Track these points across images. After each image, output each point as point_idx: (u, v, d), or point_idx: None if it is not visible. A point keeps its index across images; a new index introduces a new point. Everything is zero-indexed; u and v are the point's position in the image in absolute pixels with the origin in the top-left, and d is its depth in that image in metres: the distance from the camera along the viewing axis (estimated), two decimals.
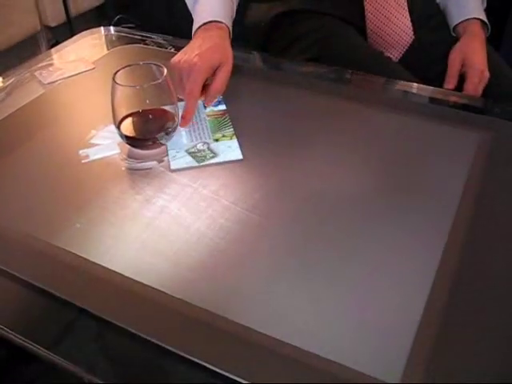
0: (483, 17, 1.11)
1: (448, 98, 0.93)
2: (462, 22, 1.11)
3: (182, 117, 0.77)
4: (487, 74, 1.03)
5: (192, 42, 0.85)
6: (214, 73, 0.81)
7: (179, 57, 0.81)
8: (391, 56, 1.16)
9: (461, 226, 0.62)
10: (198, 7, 0.91)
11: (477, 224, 0.63)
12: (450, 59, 1.07)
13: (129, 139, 0.74)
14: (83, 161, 0.73)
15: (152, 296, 0.55)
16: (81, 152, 0.75)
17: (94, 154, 0.75)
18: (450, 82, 1.05)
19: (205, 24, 0.87)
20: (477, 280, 0.56)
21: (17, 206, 0.67)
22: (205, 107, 0.84)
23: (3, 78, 0.96)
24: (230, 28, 0.90)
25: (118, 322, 0.52)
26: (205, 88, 0.80)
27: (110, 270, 0.57)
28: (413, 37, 1.14)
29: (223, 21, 0.88)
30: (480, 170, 0.71)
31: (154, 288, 0.55)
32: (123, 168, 0.73)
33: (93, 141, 0.77)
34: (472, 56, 1.05)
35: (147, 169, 0.72)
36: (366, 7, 1.12)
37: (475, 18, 1.10)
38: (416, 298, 0.54)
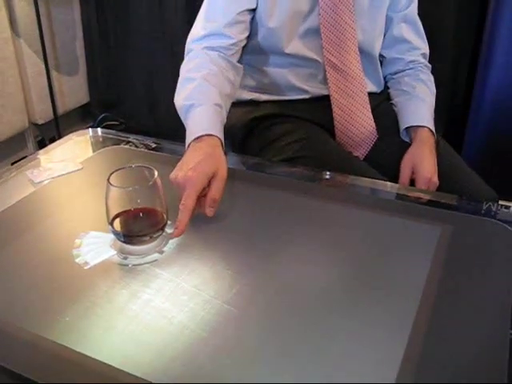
0: (431, 126, 1.19)
1: (412, 194, 1.00)
2: (412, 126, 1.19)
3: (174, 227, 0.80)
4: (435, 181, 1.10)
5: (185, 156, 0.89)
6: (209, 182, 0.84)
7: (175, 173, 0.84)
8: (358, 154, 1.23)
9: (424, 316, 0.67)
10: (189, 122, 0.96)
11: (439, 314, 0.67)
12: (401, 166, 1.15)
13: (126, 237, 0.78)
14: (85, 267, 0.75)
15: None
16: (78, 260, 0.77)
17: (92, 259, 0.77)
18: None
19: (196, 138, 0.91)
20: (439, 370, 0.60)
21: (7, 300, 0.70)
22: None
23: None
24: (222, 137, 0.94)
25: None
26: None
27: (97, 360, 0.61)
28: (377, 136, 1.22)
29: (213, 133, 0.92)
30: (441, 261, 0.76)
31: (138, 377, 0.58)
32: (130, 265, 0.76)
33: (82, 248, 0.80)
34: (421, 164, 1.12)
35: (153, 261, 0.77)
36: (333, 109, 1.20)
37: (425, 127, 1.18)
38: None
